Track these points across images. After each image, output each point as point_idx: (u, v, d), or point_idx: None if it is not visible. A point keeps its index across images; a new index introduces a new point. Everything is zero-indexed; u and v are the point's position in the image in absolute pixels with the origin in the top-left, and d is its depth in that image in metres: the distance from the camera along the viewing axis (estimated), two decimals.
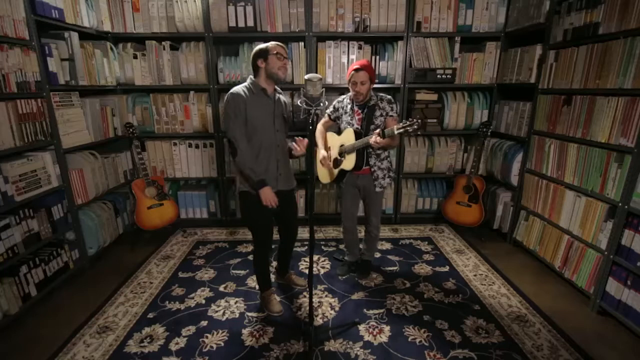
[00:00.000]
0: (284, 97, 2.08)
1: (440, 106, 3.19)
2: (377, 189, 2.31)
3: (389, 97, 2.25)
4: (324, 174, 2.45)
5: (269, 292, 2.22)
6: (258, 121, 1.90)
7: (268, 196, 1.92)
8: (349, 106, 2.29)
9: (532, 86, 2.70)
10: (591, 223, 2.22)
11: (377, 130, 2.07)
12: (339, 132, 2.39)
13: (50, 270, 2.34)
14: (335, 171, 2.36)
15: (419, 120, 1.96)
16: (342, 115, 2.34)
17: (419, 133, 2.00)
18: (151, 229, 3.01)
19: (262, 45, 1.91)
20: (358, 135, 2.21)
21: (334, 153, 2.36)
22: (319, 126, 2.44)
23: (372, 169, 2.28)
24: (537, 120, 2.70)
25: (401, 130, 1.99)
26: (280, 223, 2.24)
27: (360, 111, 2.26)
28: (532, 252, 2.77)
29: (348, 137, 2.25)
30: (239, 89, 1.90)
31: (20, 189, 2.11)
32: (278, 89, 2.04)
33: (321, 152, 2.32)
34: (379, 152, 2.27)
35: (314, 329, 1.89)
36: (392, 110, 2.23)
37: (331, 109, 2.41)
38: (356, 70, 2.11)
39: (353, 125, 2.26)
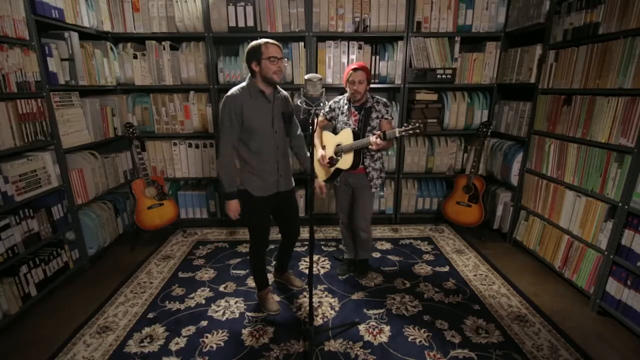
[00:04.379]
0: (284, 93, 2.02)
1: (440, 106, 3.19)
2: (373, 189, 2.33)
3: (385, 100, 2.29)
4: (319, 172, 2.46)
5: (265, 291, 2.23)
6: (256, 123, 1.87)
7: (232, 208, 1.97)
8: (346, 107, 2.31)
9: (532, 86, 2.70)
10: (591, 223, 2.22)
11: (378, 132, 2.08)
12: (334, 131, 2.40)
13: (50, 270, 2.34)
14: (331, 170, 2.37)
15: (422, 125, 1.97)
16: (338, 115, 2.36)
17: (423, 134, 2.00)
18: (151, 229, 3.01)
19: (254, 44, 1.79)
20: (356, 136, 2.22)
21: (330, 152, 2.37)
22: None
23: (367, 170, 2.30)
24: (537, 120, 2.70)
25: (403, 134, 2.01)
26: (282, 223, 2.24)
27: (356, 112, 2.28)
28: (532, 252, 2.77)
29: (346, 137, 2.25)
30: (236, 91, 1.85)
31: (20, 189, 2.11)
32: (278, 87, 2.00)
33: (320, 152, 2.34)
34: (372, 152, 2.28)
35: (314, 329, 1.89)
36: (387, 113, 2.26)
37: (327, 108, 2.42)
38: (354, 69, 2.17)
39: (350, 125, 2.27)
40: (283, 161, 2.02)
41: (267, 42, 1.80)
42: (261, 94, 1.88)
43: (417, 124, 1.98)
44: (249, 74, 1.90)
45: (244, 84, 1.90)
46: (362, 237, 2.45)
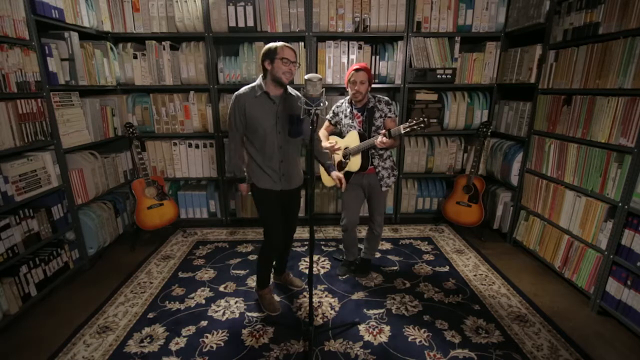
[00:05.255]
0: (296, 94, 2.01)
1: (440, 106, 3.19)
2: (384, 189, 2.33)
3: (387, 98, 2.29)
4: (328, 177, 2.45)
5: (266, 291, 2.24)
6: (258, 123, 1.91)
7: (242, 188, 2.15)
8: (349, 109, 2.31)
9: (532, 86, 2.70)
10: (591, 223, 2.22)
11: (383, 131, 2.08)
12: (340, 136, 2.41)
13: (50, 270, 2.34)
14: (340, 174, 2.37)
15: (426, 119, 1.99)
16: (342, 119, 2.36)
17: (424, 131, 2.02)
18: (151, 229, 3.01)
19: (271, 45, 1.86)
20: (362, 137, 2.22)
21: (338, 156, 2.37)
22: (322, 131, 2.47)
23: (377, 170, 2.30)
24: (537, 120, 2.70)
25: (408, 130, 2.02)
26: (282, 219, 2.24)
27: (359, 114, 2.29)
28: (532, 252, 2.77)
29: (352, 139, 2.26)
30: (243, 90, 1.95)
31: (20, 189, 2.11)
32: (289, 88, 2.00)
33: (326, 143, 2.32)
34: (381, 152, 2.29)
35: (314, 329, 1.89)
36: (390, 111, 2.27)
37: (331, 114, 2.45)
38: (356, 70, 2.17)
39: (355, 127, 2.28)
40: (287, 161, 2.04)
41: (284, 45, 1.87)
42: (266, 95, 1.92)
43: (421, 118, 2.00)
44: (261, 74, 1.96)
45: (254, 83, 1.98)
46: (376, 234, 2.48)
